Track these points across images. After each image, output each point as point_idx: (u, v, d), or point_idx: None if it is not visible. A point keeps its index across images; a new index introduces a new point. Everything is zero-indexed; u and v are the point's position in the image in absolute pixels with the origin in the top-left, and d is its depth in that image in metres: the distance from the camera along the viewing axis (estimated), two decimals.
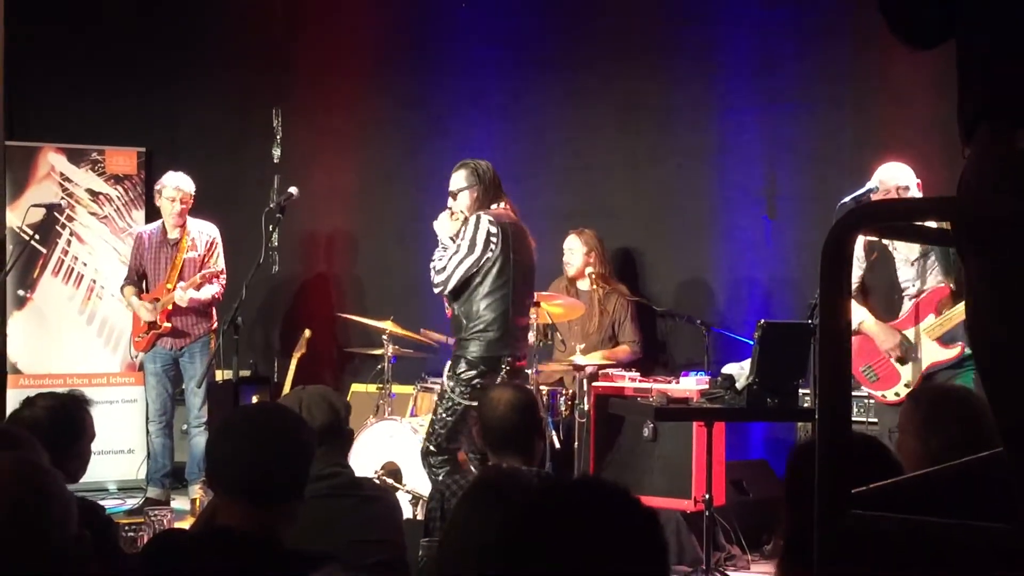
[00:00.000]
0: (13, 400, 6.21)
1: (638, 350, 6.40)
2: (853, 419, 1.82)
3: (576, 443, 5.60)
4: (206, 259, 6.58)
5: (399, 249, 7.40)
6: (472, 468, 4.90)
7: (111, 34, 7.66)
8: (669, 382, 5.40)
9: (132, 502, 6.65)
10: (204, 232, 6.65)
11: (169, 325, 6.51)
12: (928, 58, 2.09)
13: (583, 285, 6.44)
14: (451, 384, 5.03)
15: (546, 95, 7.25)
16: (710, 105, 6.81)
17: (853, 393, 3.70)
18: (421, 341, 6.37)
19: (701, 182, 6.81)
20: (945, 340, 4.77)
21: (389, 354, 6.17)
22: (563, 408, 5.82)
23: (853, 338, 4.82)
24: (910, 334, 4.83)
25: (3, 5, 6.35)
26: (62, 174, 7.33)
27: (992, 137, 1.61)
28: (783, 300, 6.39)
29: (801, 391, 4.94)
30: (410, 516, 5.08)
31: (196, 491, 6.21)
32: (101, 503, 3.77)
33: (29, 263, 7.13)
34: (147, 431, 6.74)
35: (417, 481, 5.33)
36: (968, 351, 4.57)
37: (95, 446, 3.32)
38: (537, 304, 5.50)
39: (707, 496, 4.75)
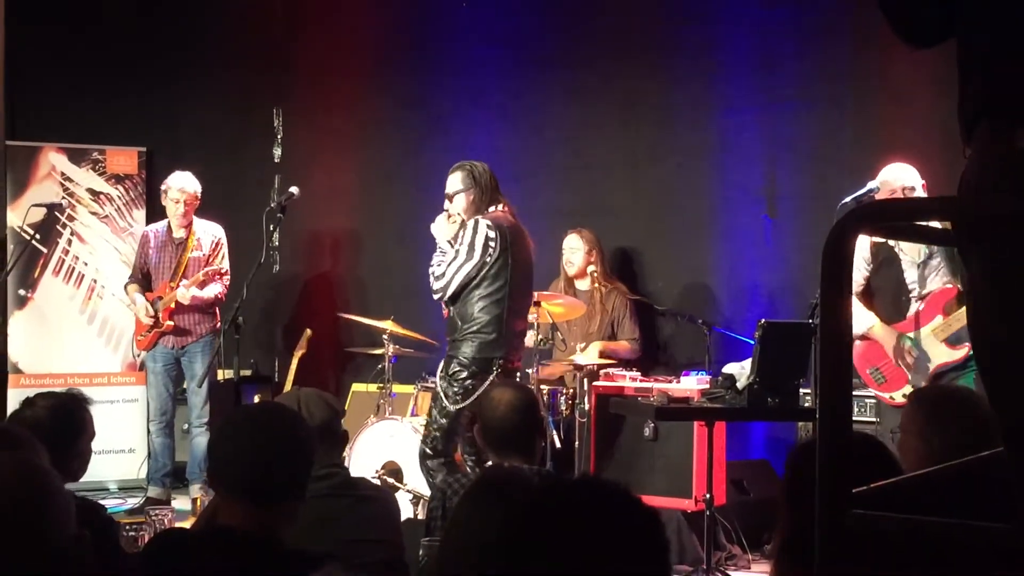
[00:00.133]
0: (13, 400, 6.23)
1: (637, 348, 6.40)
2: (855, 419, 1.82)
3: (577, 442, 5.60)
4: (211, 259, 6.57)
5: (400, 249, 7.40)
6: (468, 468, 4.90)
7: (111, 34, 7.66)
8: (670, 381, 5.41)
9: (133, 502, 6.65)
10: (210, 232, 6.64)
11: (172, 323, 6.51)
12: (928, 57, 2.10)
13: (582, 284, 6.44)
14: (443, 385, 5.00)
15: (546, 94, 7.25)
16: (710, 104, 6.81)
17: (854, 393, 3.70)
18: (422, 341, 6.37)
19: (701, 181, 6.81)
20: (952, 341, 4.76)
21: (390, 354, 6.17)
22: (564, 407, 5.82)
23: (861, 342, 4.88)
24: (916, 335, 4.82)
25: (3, 5, 6.36)
26: (63, 174, 7.32)
27: (992, 136, 1.61)
28: (783, 300, 6.39)
29: (802, 391, 4.94)
30: (411, 516, 5.09)
31: (197, 491, 6.23)
32: (102, 503, 3.78)
33: (30, 263, 7.12)
34: (148, 430, 6.74)
35: (418, 481, 5.33)
36: None
37: (95, 445, 3.32)
38: (538, 304, 5.51)
39: (708, 496, 4.76)
